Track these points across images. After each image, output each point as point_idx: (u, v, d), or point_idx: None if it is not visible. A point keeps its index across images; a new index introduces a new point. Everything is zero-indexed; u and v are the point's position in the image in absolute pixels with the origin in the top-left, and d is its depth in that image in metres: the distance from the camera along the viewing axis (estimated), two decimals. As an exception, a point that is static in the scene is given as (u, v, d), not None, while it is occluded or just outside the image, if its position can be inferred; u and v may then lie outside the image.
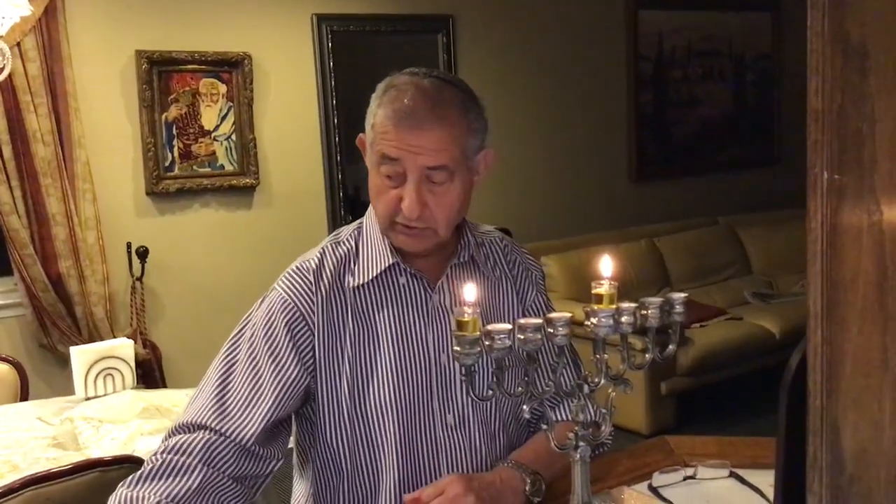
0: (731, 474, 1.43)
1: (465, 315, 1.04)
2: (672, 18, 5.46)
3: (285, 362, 1.33)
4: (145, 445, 2.25)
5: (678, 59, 5.55)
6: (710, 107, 5.73)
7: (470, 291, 1.05)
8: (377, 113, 1.32)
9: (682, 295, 1.16)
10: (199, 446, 1.26)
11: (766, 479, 1.33)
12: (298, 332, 1.34)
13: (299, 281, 1.37)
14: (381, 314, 1.38)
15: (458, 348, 1.04)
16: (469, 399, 1.40)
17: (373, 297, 1.38)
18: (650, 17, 5.34)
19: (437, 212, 1.32)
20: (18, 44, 3.42)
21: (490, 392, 1.13)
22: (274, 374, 1.32)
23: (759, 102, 5.97)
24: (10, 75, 3.04)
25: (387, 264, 1.38)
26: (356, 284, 1.38)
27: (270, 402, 1.31)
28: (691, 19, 5.54)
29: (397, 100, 1.29)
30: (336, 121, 4.32)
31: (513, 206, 4.79)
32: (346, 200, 4.40)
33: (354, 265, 1.39)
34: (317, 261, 1.39)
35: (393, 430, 1.36)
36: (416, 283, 1.40)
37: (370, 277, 1.38)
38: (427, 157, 1.28)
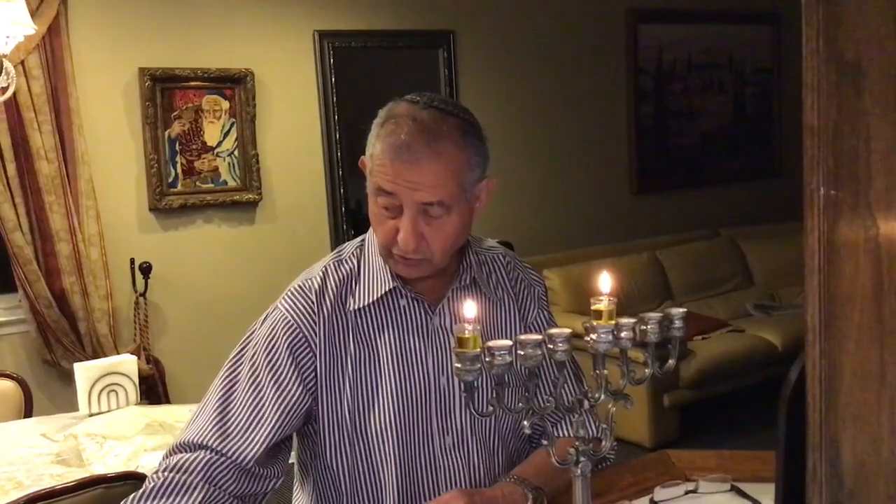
0: (732, 488, 1.43)
1: (466, 332, 1.04)
2: (672, 32, 5.48)
3: (287, 383, 1.33)
4: (149, 461, 2.25)
5: (678, 72, 5.57)
6: (711, 119, 5.75)
7: (470, 308, 1.05)
8: (375, 145, 1.31)
9: (682, 310, 1.16)
10: (201, 465, 1.26)
11: (766, 493, 1.33)
12: (300, 353, 1.34)
13: (302, 301, 1.37)
14: (381, 336, 1.38)
15: (458, 365, 1.05)
16: (468, 420, 1.40)
17: (374, 319, 1.38)
18: (650, 31, 5.36)
19: (434, 244, 1.31)
20: (22, 62, 3.45)
21: (490, 408, 1.13)
22: (276, 395, 1.32)
23: (759, 114, 5.99)
24: (14, 93, 3.06)
25: (387, 288, 1.38)
26: (357, 307, 1.38)
27: (272, 424, 1.31)
28: (691, 32, 5.56)
29: (394, 134, 1.27)
30: (338, 136, 4.33)
31: (514, 219, 4.79)
32: (349, 215, 4.41)
33: (356, 287, 1.39)
34: (319, 280, 1.39)
35: (393, 452, 1.36)
36: (416, 305, 1.40)
37: (371, 300, 1.38)
38: (423, 192, 1.27)
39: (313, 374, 1.35)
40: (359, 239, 1.46)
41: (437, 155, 1.27)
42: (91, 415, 2.66)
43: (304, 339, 1.34)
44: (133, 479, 1.83)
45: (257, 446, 1.29)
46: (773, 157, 6.03)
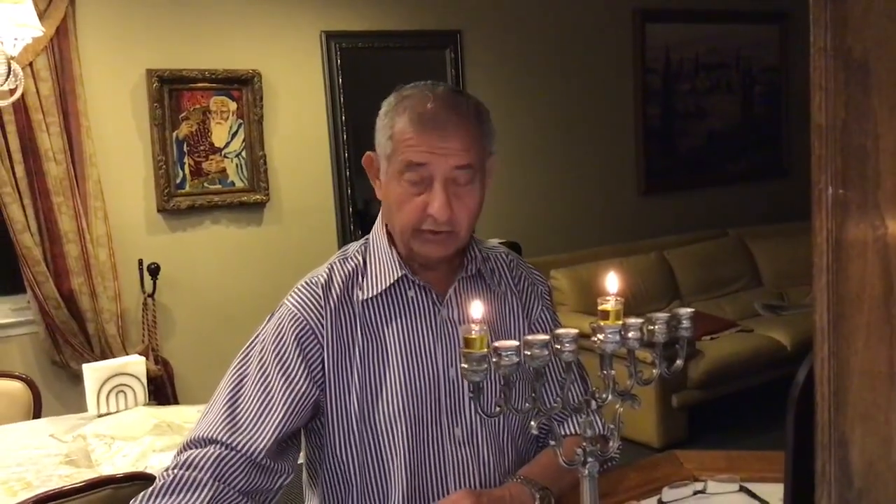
0: (741, 488, 1.42)
1: (473, 332, 1.04)
2: (679, 31, 5.47)
3: (295, 376, 1.34)
4: (157, 462, 2.26)
5: (685, 72, 5.56)
6: (718, 119, 5.73)
7: (477, 308, 1.05)
8: (396, 122, 1.34)
9: (689, 310, 1.16)
10: (210, 461, 1.27)
11: (775, 494, 1.32)
12: (308, 345, 1.35)
13: (308, 295, 1.38)
14: (389, 327, 1.39)
15: (465, 365, 1.05)
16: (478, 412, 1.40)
17: (381, 310, 1.39)
18: (657, 30, 5.35)
19: (461, 214, 1.34)
20: (30, 64, 3.46)
21: (498, 408, 1.13)
22: (284, 388, 1.33)
23: (766, 114, 5.97)
24: (22, 95, 3.07)
25: (395, 277, 1.39)
26: (365, 298, 1.39)
27: (281, 416, 1.32)
28: (698, 32, 5.55)
29: (419, 105, 1.32)
30: (345, 136, 4.34)
31: (522, 219, 4.79)
32: (356, 215, 4.42)
33: (363, 279, 1.41)
34: (325, 276, 1.41)
35: (401, 444, 1.36)
36: (424, 295, 1.41)
37: (379, 290, 1.39)
38: (455, 157, 1.31)
39: (321, 365, 1.36)
40: (363, 239, 1.48)
41: (462, 120, 1.32)
42: (100, 415, 2.67)
43: (311, 331, 1.36)
44: (141, 480, 1.84)
45: (266, 438, 1.30)
46: (782, 157, 6.02)
